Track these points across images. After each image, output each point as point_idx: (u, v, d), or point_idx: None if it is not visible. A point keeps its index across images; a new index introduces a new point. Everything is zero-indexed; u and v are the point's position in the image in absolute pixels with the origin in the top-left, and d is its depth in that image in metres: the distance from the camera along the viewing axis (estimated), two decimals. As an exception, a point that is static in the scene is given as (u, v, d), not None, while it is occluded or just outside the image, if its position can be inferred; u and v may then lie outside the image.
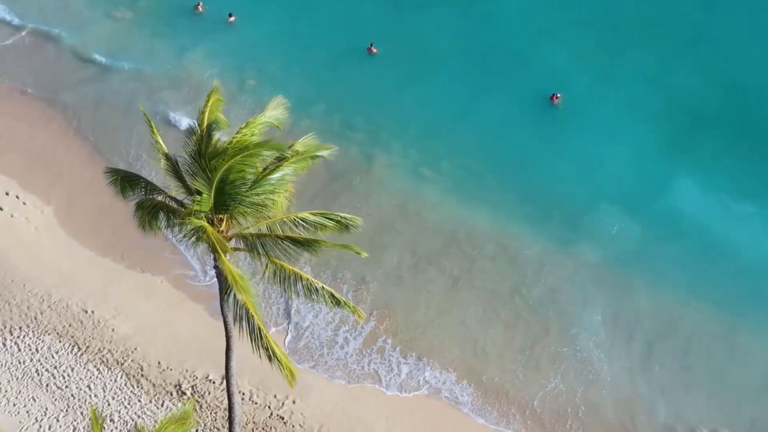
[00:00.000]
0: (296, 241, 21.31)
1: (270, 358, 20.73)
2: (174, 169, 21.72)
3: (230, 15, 46.82)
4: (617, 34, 44.83)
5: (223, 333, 23.71)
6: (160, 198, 21.92)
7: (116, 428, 29.14)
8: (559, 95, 40.97)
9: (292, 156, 21.33)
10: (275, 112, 22.23)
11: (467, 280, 34.52)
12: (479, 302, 33.73)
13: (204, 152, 20.69)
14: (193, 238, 20.12)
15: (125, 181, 22.43)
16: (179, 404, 29.79)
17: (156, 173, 34.27)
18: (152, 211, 21.62)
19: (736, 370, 31.56)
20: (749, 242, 35.26)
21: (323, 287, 21.62)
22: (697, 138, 39.47)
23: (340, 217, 22.00)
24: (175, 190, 21.84)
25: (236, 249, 21.80)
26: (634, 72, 42.67)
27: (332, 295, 21.69)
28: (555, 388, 30.98)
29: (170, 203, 21.74)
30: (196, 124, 21.27)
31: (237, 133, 21.28)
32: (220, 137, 21.37)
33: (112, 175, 22.75)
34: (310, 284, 21.46)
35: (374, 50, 43.81)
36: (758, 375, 31.46)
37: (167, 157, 21.89)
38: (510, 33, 45.10)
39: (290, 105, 22.75)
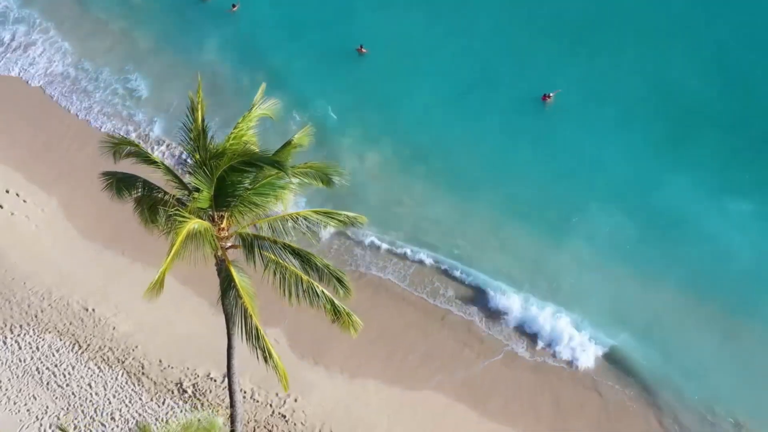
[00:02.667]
0: (294, 251, 21.02)
1: (266, 359, 20.49)
2: (171, 171, 21.62)
3: (233, 5, 47.01)
4: (610, 32, 44.47)
5: (225, 331, 23.61)
6: (159, 195, 21.76)
7: (117, 426, 29.04)
8: (551, 94, 40.72)
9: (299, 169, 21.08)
10: (267, 102, 22.07)
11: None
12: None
13: (202, 148, 20.56)
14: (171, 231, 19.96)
15: (122, 183, 22.12)
16: (180, 402, 29.72)
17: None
18: (152, 207, 21.49)
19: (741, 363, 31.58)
20: (746, 240, 35.07)
21: (323, 292, 21.16)
22: (691, 135, 39.14)
23: (344, 216, 21.70)
24: (176, 191, 21.65)
25: (234, 246, 21.63)
26: (627, 70, 42.32)
27: (332, 303, 21.18)
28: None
29: (170, 200, 21.55)
30: (191, 121, 21.07)
31: (234, 128, 21.16)
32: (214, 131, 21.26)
33: (108, 178, 22.43)
34: (312, 288, 21.12)
35: (364, 50, 43.83)
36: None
37: (159, 164, 21.73)
38: (502, 31, 44.82)
39: (286, 100, 22.65)
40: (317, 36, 45.28)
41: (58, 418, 29.04)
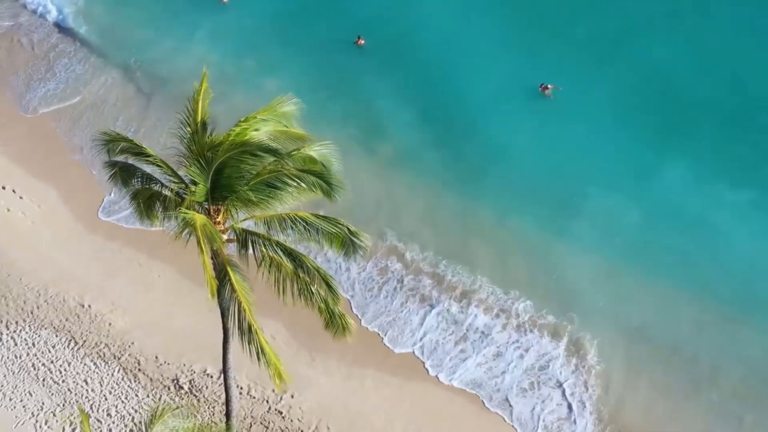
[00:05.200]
0: (286, 251, 20.68)
1: (258, 357, 20.11)
2: (166, 165, 21.46)
3: None
4: (608, 22, 44.35)
5: (222, 325, 23.49)
6: (156, 188, 21.62)
7: (113, 423, 28.94)
8: (549, 86, 40.58)
9: (297, 170, 20.41)
10: (283, 109, 21.53)
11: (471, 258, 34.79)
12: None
13: (199, 142, 20.42)
14: (185, 229, 19.65)
15: (124, 172, 22.07)
16: (177, 399, 29.62)
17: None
18: (148, 201, 21.35)
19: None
20: (744, 230, 34.96)
21: (318, 291, 20.86)
22: (688, 126, 38.97)
23: (345, 227, 20.72)
24: (173, 184, 21.44)
25: (230, 240, 21.49)
26: (624, 60, 42.16)
27: (327, 303, 20.88)
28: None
29: (166, 193, 21.41)
30: (189, 114, 20.93)
31: (236, 126, 20.90)
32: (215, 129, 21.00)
33: (110, 168, 22.38)
34: (306, 287, 20.79)
35: (361, 42, 43.61)
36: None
37: (154, 158, 21.55)
38: (500, 22, 44.58)
39: (279, 94, 22.28)
40: (313, 27, 44.93)
41: (54, 415, 28.95)
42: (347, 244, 20.77)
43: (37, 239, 35.43)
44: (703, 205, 35.79)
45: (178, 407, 28.26)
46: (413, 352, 31.87)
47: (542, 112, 40.37)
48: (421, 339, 32.30)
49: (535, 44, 43.31)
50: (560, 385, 30.68)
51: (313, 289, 20.74)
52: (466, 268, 34.46)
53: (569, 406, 30.08)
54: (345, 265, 34.34)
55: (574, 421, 29.66)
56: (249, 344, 20.24)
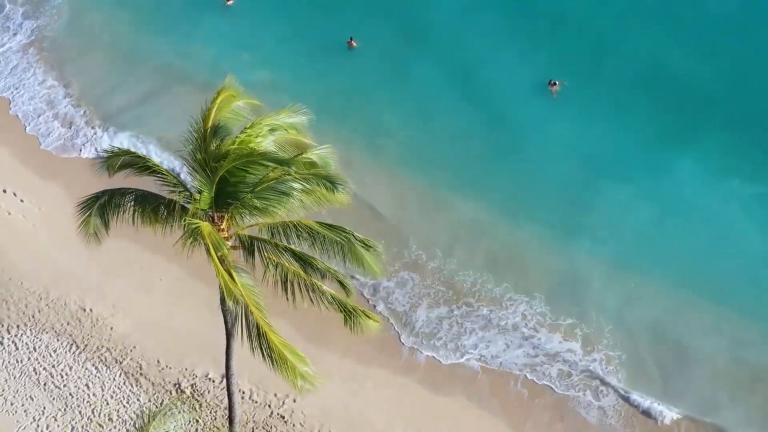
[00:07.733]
0: (294, 254, 20.57)
1: (274, 362, 19.64)
2: (170, 173, 21.37)
3: None
4: (614, 16, 44.35)
5: (223, 330, 23.46)
6: (152, 198, 21.48)
7: (115, 427, 28.92)
8: (557, 82, 40.46)
9: (301, 174, 20.20)
10: (291, 119, 21.50)
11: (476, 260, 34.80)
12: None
13: (205, 150, 20.34)
14: (191, 238, 19.52)
15: (100, 213, 21.48)
16: (178, 403, 29.62)
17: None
18: (151, 212, 21.18)
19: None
20: (757, 226, 35.05)
21: (328, 290, 20.80)
22: (697, 120, 39.03)
23: (350, 232, 20.53)
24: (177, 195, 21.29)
25: (235, 247, 21.42)
26: (635, 56, 42.15)
27: (341, 302, 20.72)
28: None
29: (167, 201, 21.32)
30: (199, 121, 20.83)
31: (241, 132, 20.81)
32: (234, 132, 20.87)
33: (85, 211, 21.62)
34: (315, 287, 20.75)
35: (354, 44, 43.19)
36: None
37: (158, 168, 21.40)
38: (504, 18, 44.47)
39: (268, 100, 22.10)
40: (306, 28, 44.53)
41: (55, 419, 28.91)
42: (354, 252, 20.57)
43: (37, 242, 35.34)
44: (717, 202, 35.80)
45: (165, 407, 28.23)
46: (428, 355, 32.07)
47: (550, 108, 40.22)
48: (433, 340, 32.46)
49: (540, 40, 43.13)
50: (571, 385, 30.82)
51: (323, 289, 20.70)
52: (475, 269, 34.41)
53: (579, 408, 30.25)
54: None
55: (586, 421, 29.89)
56: (262, 349, 19.81)
